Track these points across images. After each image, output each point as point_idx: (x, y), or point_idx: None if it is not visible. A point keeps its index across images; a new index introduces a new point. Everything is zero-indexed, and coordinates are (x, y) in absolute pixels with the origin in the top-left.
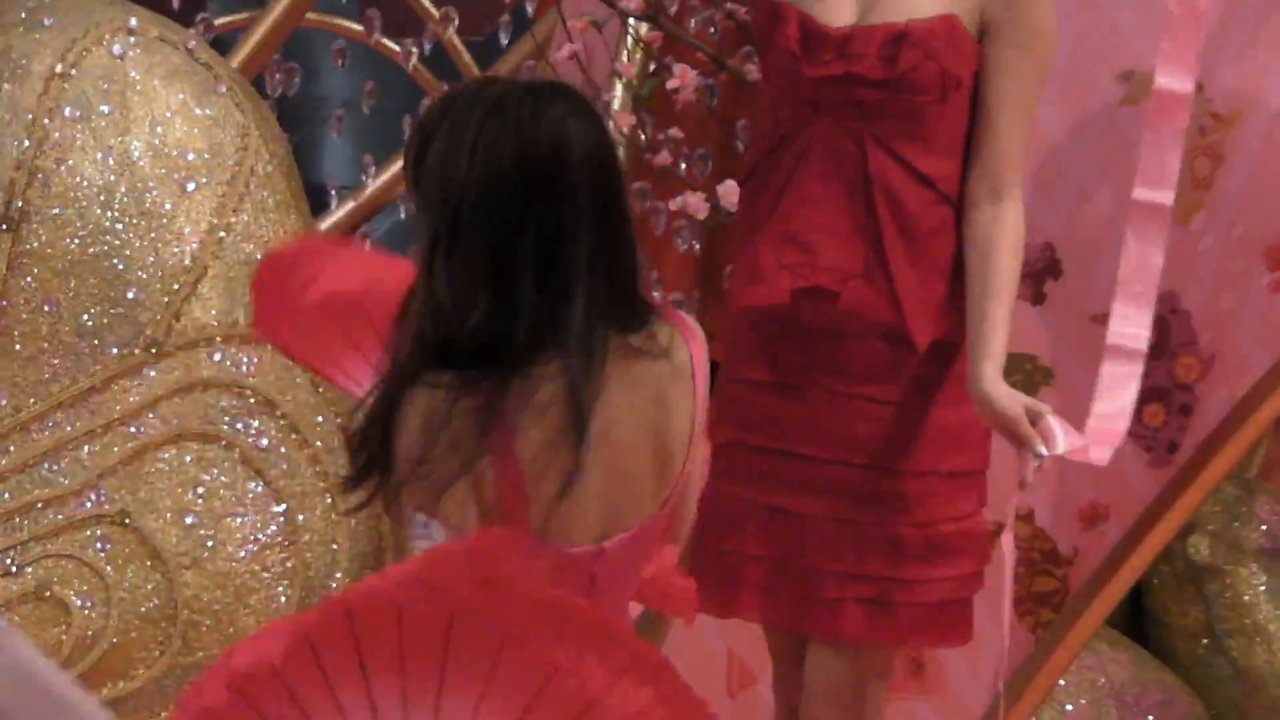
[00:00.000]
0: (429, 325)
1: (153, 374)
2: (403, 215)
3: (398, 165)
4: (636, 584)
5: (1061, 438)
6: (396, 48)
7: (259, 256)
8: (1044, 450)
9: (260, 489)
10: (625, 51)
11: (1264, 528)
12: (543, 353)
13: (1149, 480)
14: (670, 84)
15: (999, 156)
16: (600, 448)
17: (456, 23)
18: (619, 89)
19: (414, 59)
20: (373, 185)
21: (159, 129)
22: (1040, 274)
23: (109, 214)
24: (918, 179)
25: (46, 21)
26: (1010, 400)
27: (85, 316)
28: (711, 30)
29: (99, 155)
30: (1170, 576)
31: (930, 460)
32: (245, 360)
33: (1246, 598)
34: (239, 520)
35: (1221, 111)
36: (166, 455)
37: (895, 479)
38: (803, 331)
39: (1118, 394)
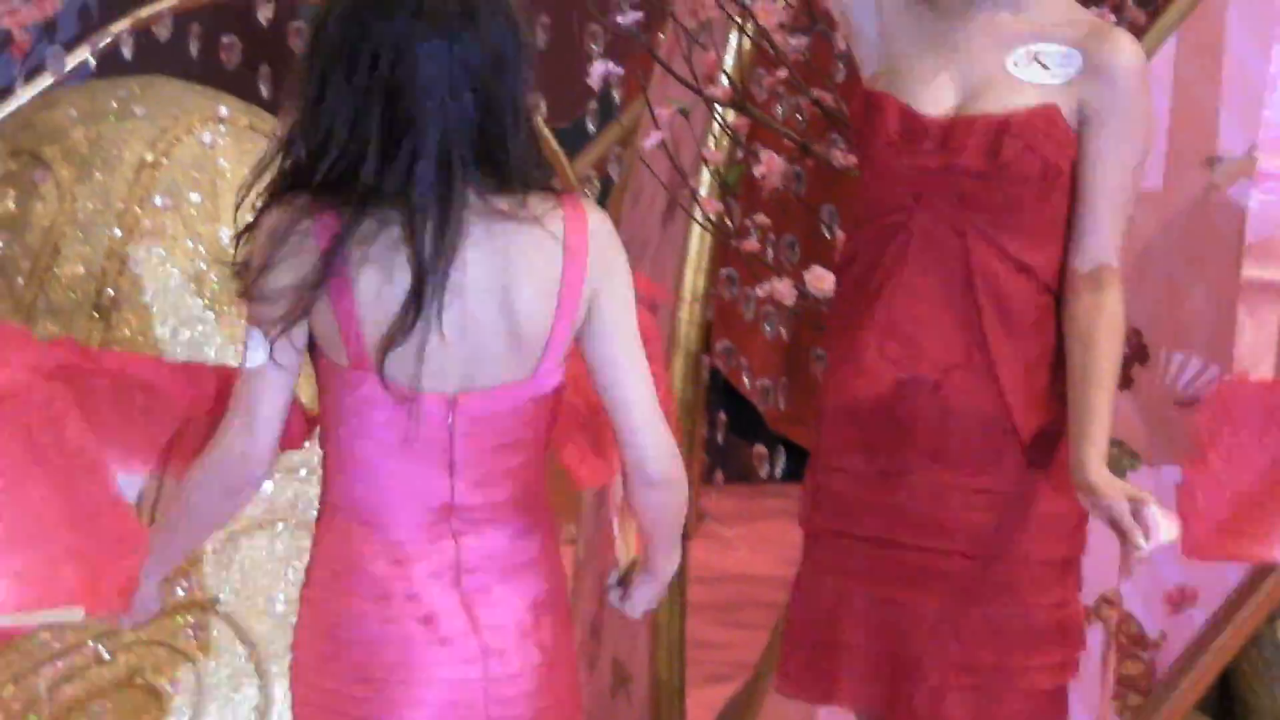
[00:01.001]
0: (295, 151)
1: None
2: None
3: None
4: (521, 462)
5: (1163, 527)
6: None
7: None
8: (1145, 543)
9: None
10: (712, 138)
11: None
12: (394, 196)
13: (1237, 564)
14: (757, 170)
15: (1099, 244)
16: (445, 297)
17: (544, 109)
18: (706, 175)
19: None
20: None
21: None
22: (1128, 359)
23: (199, 302)
24: (1019, 269)
25: (138, 111)
26: (1114, 489)
27: None
28: (798, 116)
29: (189, 243)
30: (1258, 661)
31: (1033, 548)
32: None
33: None
34: None
35: None
36: (258, 541)
37: (999, 567)
38: (904, 422)
39: None
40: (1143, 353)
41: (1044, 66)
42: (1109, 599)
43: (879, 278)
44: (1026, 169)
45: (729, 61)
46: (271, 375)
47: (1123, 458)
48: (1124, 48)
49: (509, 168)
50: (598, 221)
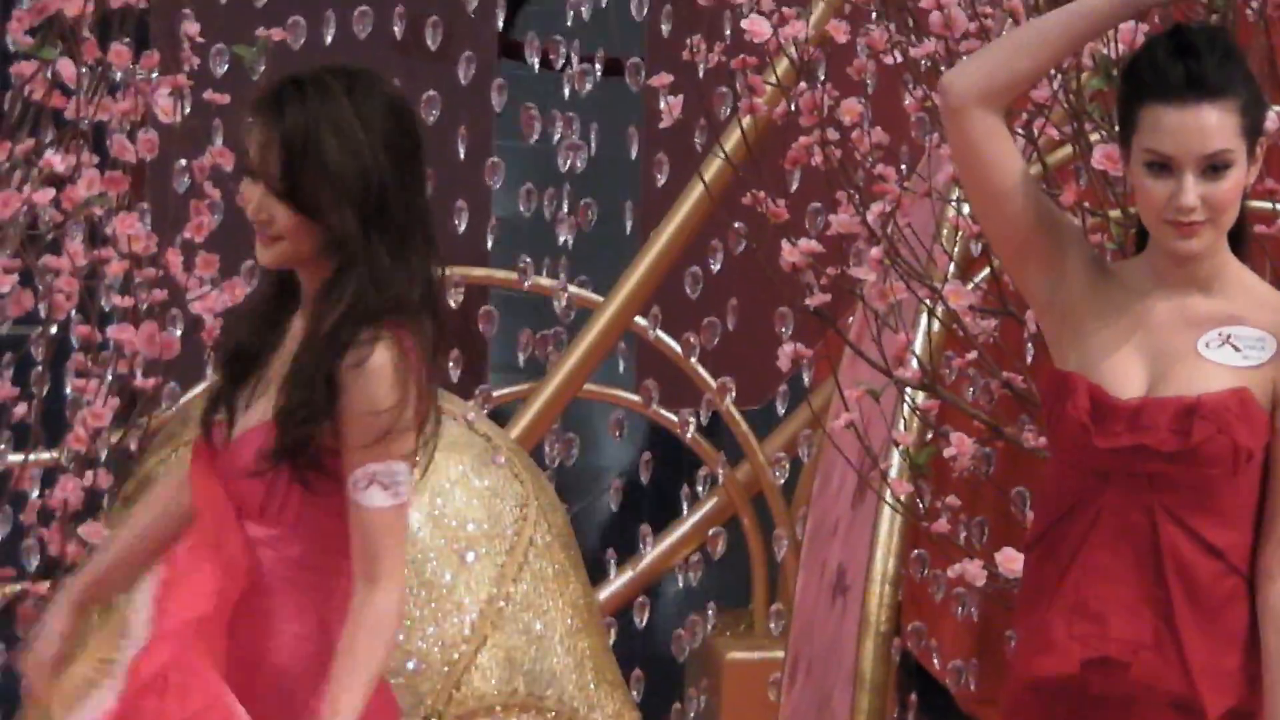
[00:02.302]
0: (370, 295)
1: None
2: None
3: (677, 534)
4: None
5: None
6: (674, 418)
7: (539, 626)
8: None
9: None
10: (902, 420)
11: None
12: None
13: None
14: (947, 452)
15: None
16: None
17: (734, 393)
18: (896, 457)
19: (691, 429)
20: (651, 554)
21: (439, 500)
22: None
23: None
24: (1208, 551)
25: None
26: None
27: None
28: (988, 398)
29: None
30: None
31: None
32: None
33: None
34: None
35: None
36: None
37: None
38: (1092, 702)
39: None
40: None
41: (1236, 349)
42: None
43: (1067, 557)
44: (1218, 451)
45: (919, 344)
46: None
47: None
48: None
49: None
50: None
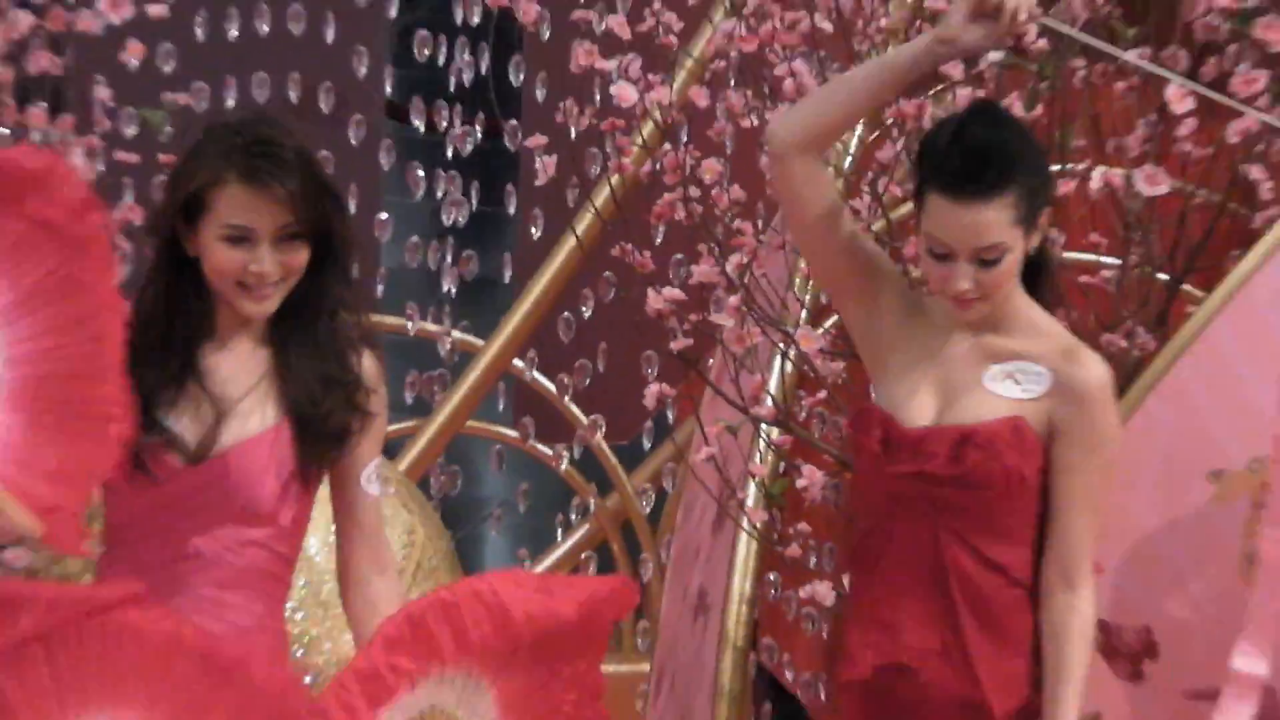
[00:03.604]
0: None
1: None
2: None
3: (552, 558)
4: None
5: None
6: (549, 452)
7: None
8: None
9: None
10: (758, 454)
11: None
12: None
13: None
14: (800, 483)
15: (1070, 548)
16: None
17: (604, 429)
18: (752, 488)
19: (565, 462)
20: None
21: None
22: (1139, 654)
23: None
24: (990, 567)
25: None
26: None
27: None
28: (837, 434)
29: None
30: None
31: None
32: None
33: None
34: None
35: None
36: None
37: None
38: (896, 703)
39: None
40: (1152, 649)
41: (1017, 383)
42: None
43: (868, 573)
44: (989, 475)
45: (773, 384)
46: None
47: None
48: (1092, 369)
49: None
50: None
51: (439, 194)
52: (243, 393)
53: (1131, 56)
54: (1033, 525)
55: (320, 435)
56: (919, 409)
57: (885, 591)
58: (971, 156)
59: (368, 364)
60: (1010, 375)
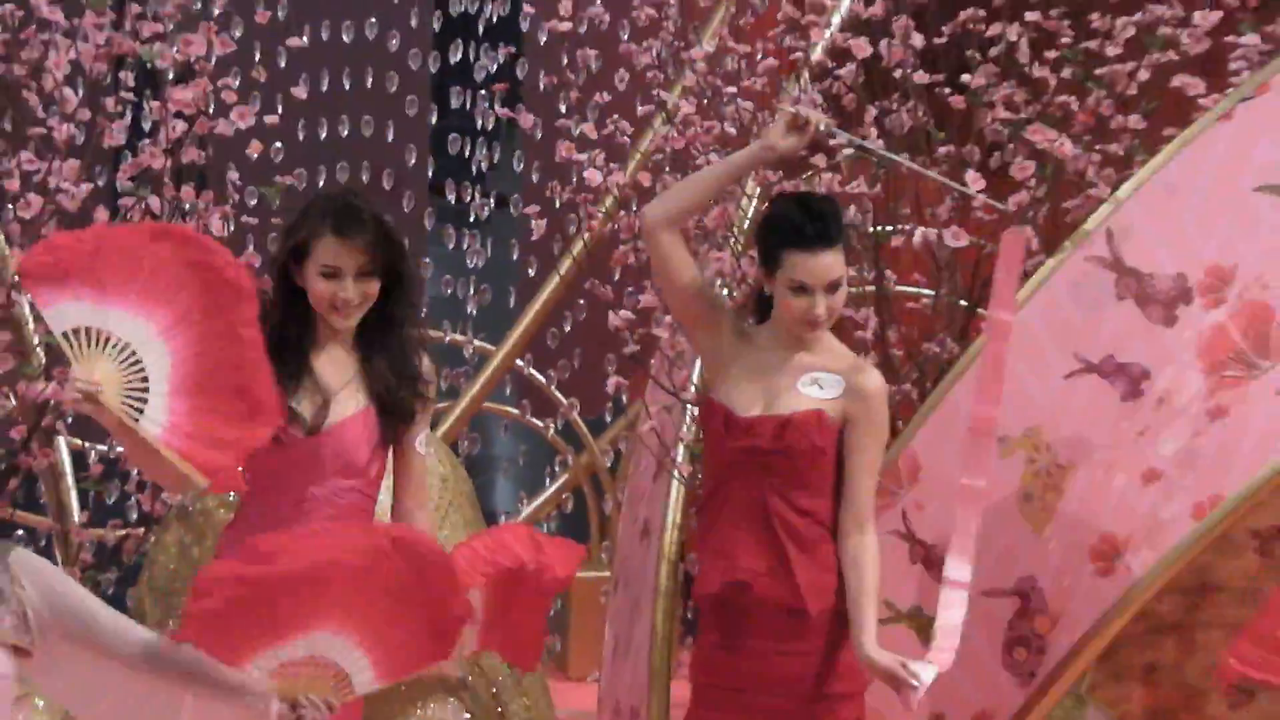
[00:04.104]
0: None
1: None
2: None
3: (542, 498)
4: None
5: (926, 675)
6: (541, 424)
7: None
8: (917, 683)
9: None
10: (685, 425)
11: None
12: None
13: (1018, 695)
14: None
15: (860, 502)
16: None
17: (578, 408)
18: (681, 449)
19: (551, 431)
20: (526, 510)
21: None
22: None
23: None
24: (801, 513)
25: None
26: (886, 659)
27: None
28: None
29: None
30: None
31: (829, 686)
32: None
33: None
34: None
35: (1062, 461)
36: None
37: (806, 702)
38: (737, 610)
39: (951, 615)
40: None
41: (820, 387)
42: (938, 716)
43: (714, 518)
44: (801, 449)
45: (695, 376)
46: None
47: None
48: (873, 378)
49: None
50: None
51: (464, 246)
52: (341, 385)
53: (904, 160)
54: (830, 484)
55: (396, 415)
56: (750, 404)
57: (727, 531)
58: (819, 219)
59: (426, 364)
60: (815, 381)
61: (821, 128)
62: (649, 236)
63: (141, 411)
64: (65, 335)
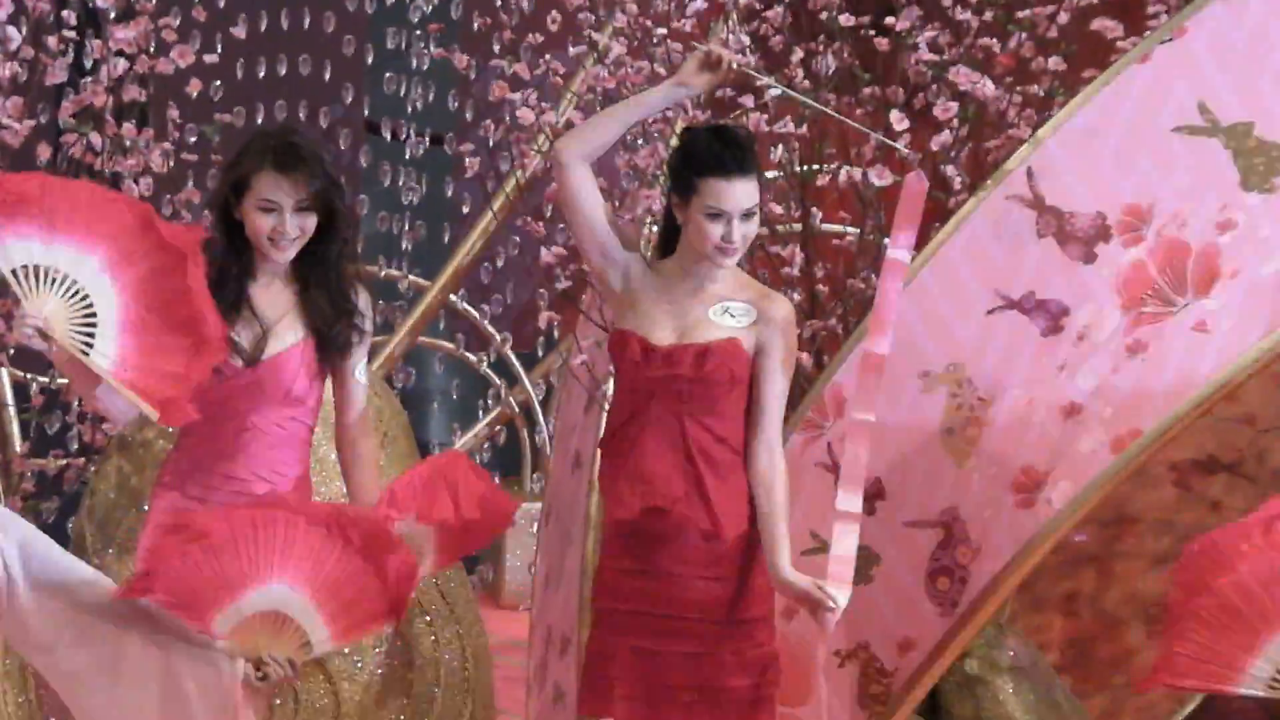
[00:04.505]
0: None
1: None
2: None
3: (475, 429)
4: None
5: (841, 598)
6: (474, 358)
7: None
8: (833, 605)
9: None
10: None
11: (1011, 654)
12: None
13: (940, 624)
14: None
15: (768, 425)
16: None
17: (511, 342)
18: (611, 383)
19: (484, 365)
20: (461, 442)
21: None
22: (871, 496)
23: None
24: (717, 439)
25: None
26: (801, 581)
27: None
28: None
29: None
30: (954, 684)
31: (742, 611)
32: None
33: (1001, 698)
34: None
35: (984, 396)
36: None
37: (720, 625)
38: (652, 535)
39: (843, 545)
40: (881, 491)
41: (732, 316)
42: (863, 645)
43: (629, 445)
44: (719, 376)
45: None
46: None
47: (869, 559)
48: (782, 306)
49: None
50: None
51: (400, 183)
52: (279, 316)
53: (812, 102)
54: (741, 410)
55: (333, 346)
56: (664, 333)
57: (644, 456)
58: (736, 147)
59: (363, 298)
60: (727, 310)
61: (734, 66)
62: (561, 170)
63: (91, 346)
64: (14, 272)
